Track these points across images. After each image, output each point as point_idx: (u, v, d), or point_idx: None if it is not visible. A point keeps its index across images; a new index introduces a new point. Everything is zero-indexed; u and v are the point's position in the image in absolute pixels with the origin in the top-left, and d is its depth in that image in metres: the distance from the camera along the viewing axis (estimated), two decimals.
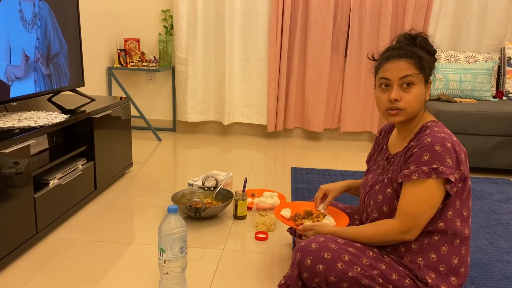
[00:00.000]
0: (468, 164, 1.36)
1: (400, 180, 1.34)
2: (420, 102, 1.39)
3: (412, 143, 1.36)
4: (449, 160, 1.28)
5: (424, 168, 1.29)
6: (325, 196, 1.73)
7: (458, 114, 3.09)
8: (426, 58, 1.39)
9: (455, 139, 1.33)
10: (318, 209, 1.71)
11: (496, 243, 2.07)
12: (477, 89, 3.48)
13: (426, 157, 1.29)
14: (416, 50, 1.38)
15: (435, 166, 1.28)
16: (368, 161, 1.66)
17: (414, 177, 1.30)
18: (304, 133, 4.20)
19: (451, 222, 1.33)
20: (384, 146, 1.55)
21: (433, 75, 1.42)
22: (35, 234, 1.90)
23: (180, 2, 3.85)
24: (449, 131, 1.36)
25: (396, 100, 1.36)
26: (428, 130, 1.34)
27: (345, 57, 3.94)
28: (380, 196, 1.41)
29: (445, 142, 1.29)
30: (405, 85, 1.36)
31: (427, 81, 1.41)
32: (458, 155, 1.30)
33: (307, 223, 1.58)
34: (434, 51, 1.41)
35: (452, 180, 1.28)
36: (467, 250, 1.38)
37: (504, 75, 3.65)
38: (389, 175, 1.41)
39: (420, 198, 1.29)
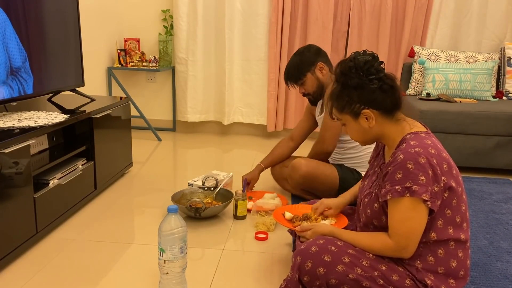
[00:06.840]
0: (455, 172, 1.32)
1: (380, 200, 1.34)
2: (361, 135, 1.43)
3: (390, 158, 1.34)
4: (422, 178, 1.25)
5: (397, 187, 1.27)
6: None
7: (458, 114, 3.08)
8: (343, 94, 1.38)
9: (432, 151, 1.28)
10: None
11: (496, 243, 2.07)
12: (477, 89, 3.48)
13: (399, 176, 1.27)
14: (335, 89, 1.40)
15: (408, 185, 1.25)
16: (369, 162, 1.64)
17: (389, 197, 1.29)
18: None
19: (442, 231, 1.32)
20: (381, 152, 1.53)
21: (368, 107, 1.35)
22: (35, 234, 1.90)
23: (180, 2, 3.84)
24: (429, 141, 1.31)
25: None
26: (404, 145, 1.31)
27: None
28: (369, 211, 1.41)
29: (418, 158, 1.25)
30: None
31: (357, 115, 1.37)
32: (434, 168, 1.26)
33: (305, 224, 1.58)
34: (355, 83, 1.36)
35: (426, 199, 1.25)
36: (465, 253, 1.36)
37: (504, 75, 3.65)
38: (376, 191, 1.40)
39: (407, 217, 1.28)
